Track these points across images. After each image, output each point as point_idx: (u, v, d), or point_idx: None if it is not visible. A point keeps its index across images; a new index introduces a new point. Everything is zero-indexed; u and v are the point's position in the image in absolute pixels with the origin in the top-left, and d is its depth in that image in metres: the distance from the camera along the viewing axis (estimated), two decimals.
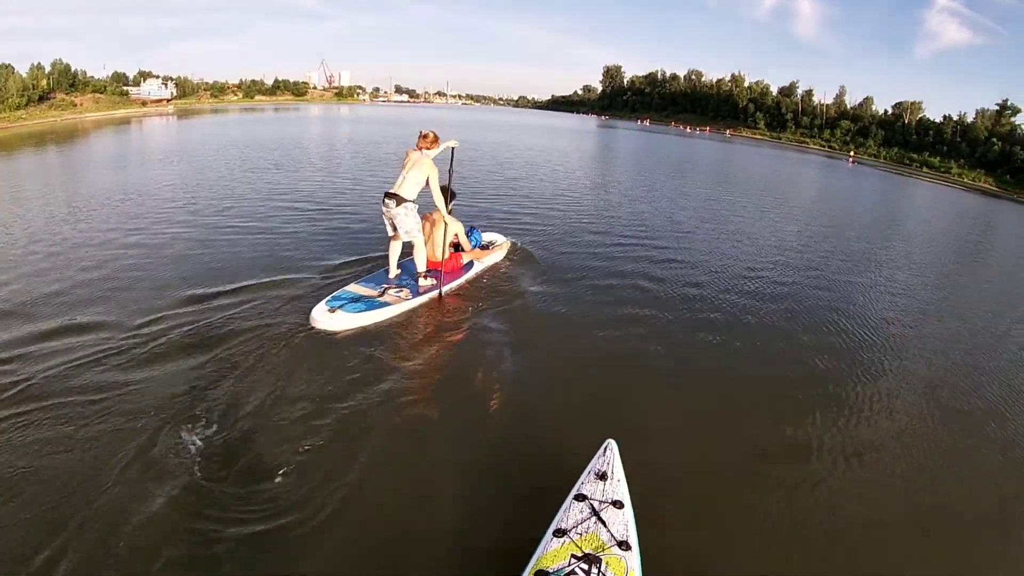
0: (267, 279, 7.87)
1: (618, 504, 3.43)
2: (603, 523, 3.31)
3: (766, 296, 9.34)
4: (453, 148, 7.88)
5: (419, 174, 7.37)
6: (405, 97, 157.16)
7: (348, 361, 5.89)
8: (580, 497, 3.47)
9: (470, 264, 8.62)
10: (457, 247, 8.55)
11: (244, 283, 7.67)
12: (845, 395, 6.30)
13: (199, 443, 4.42)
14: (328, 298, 6.95)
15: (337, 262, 8.86)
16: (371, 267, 8.50)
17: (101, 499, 3.79)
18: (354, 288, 7.36)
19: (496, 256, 9.35)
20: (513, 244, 10.15)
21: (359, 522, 3.87)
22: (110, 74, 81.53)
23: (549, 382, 5.95)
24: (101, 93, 69.39)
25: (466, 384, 5.79)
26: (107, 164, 19.68)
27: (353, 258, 9.10)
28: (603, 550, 3.15)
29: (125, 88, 76.58)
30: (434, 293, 7.75)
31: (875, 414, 5.99)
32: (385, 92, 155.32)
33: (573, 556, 3.09)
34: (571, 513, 3.37)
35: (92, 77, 73.32)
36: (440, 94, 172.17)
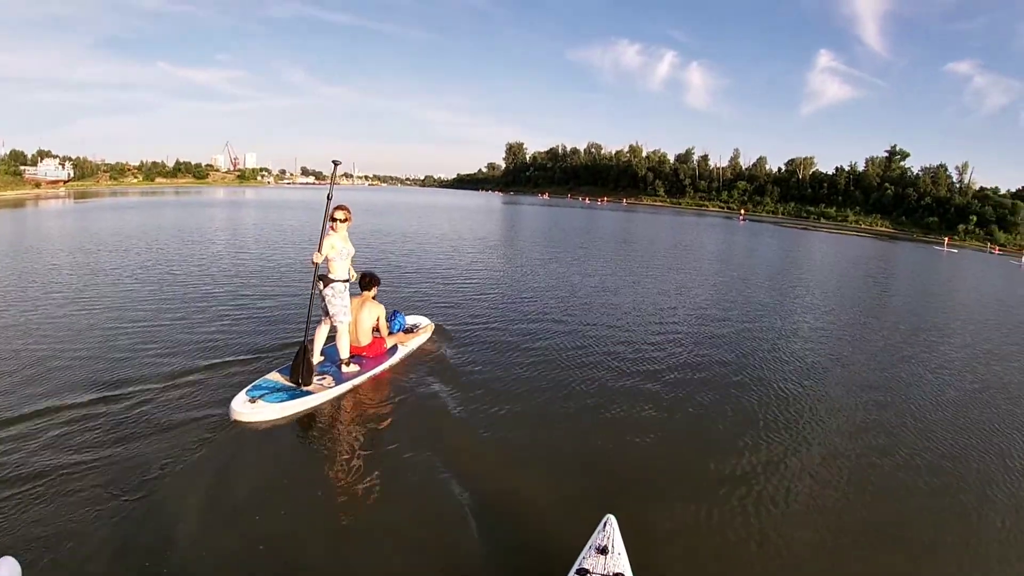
0: (181, 370, 7.49)
1: None
2: None
3: (713, 356, 9.74)
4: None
5: (342, 250, 7.27)
6: (311, 179, 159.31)
7: (275, 455, 5.63)
8: (582, 571, 3.41)
9: (394, 348, 8.46)
10: (378, 331, 8.41)
11: (156, 374, 7.30)
12: (842, 445, 6.61)
13: (113, 559, 4.03)
14: (248, 387, 6.68)
15: (256, 350, 8.51)
16: (292, 353, 7.84)
17: None
18: (275, 377, 7.09)
19: (420, 339, 9.25)
20: (438, 326, 10.06)
21: None
22: (8, 152, 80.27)
23: (496, 462, 5.77)
24: None
25: (412, 469, 5.50)
26: None
27: (273, 345, 8.75)
28: None
29: (21, 168, 74.69)
30: (359, 379, 7.51)
31: (868, 466, 6.29)
32: (291, 174, 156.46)
33: None
34: None
35: None
36: (347, 175, 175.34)
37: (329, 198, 7.17)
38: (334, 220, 7.28)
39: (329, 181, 7.76)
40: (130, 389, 6.78)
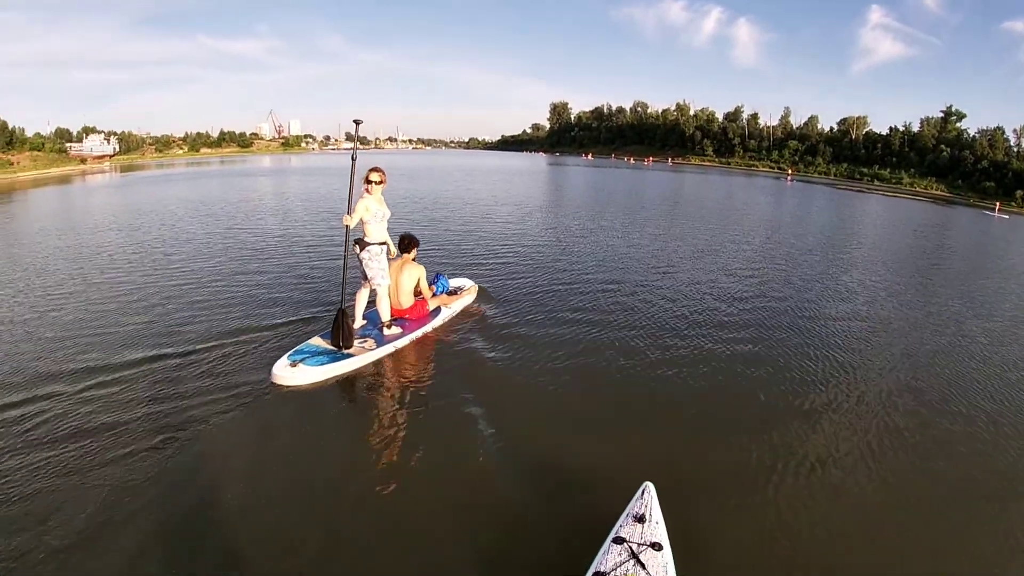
0: (228, 335, 7.73)
1: (657, 546, 3.41)
2: (642, 566, 3.28)
3: (756, 323, 9.55)
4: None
5: (376, 213, 7.30)
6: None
7: (316, 417, 5.80)
8: (619, 540, 3.45)
9: (437, 310, 8.50)
10: (420, 294, 8.43)
11: (204, 340, 7.56)
12: (878, 418, 6.46)
13: (159, 518, 4.23)
14: (290, 352, 6.82)
15: (300, 315, 8.71)
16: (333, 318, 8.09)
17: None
18: (317, 341, 7.21)
19: (464, 301, 9.24)
20: (482, 289, 10.05)
21: None
22: (54, 130, 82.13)
23: (537, 426, 5.84)
24: (39, 151, 69.04)
25: (451, 431, 5.62)
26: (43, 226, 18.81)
27: (316, 310, 8.92)
28: None
29: (67, 144, 76.41)
30: (401, 342, 7.58)
31: (907, 442, 6.07)
32: (335, 140, 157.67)
33: None
34: (610, 556, 3.36)
35: (38, 134, 73.90)
36: (391, 139, 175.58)
37: (353, 159, 7.22)
38: (369, 183, 7.30)
39: (353, 141, 7.81)
40: (174, 351, 7.10)
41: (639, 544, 3.41)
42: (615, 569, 3.26)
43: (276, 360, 6.60)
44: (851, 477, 5.23)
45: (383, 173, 7.39)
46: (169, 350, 7.15)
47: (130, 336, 7.73)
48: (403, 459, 5.16)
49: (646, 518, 3.61)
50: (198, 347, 7.26)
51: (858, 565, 4.16)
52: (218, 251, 13.61)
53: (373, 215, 7.24)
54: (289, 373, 6.38)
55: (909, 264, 17.68)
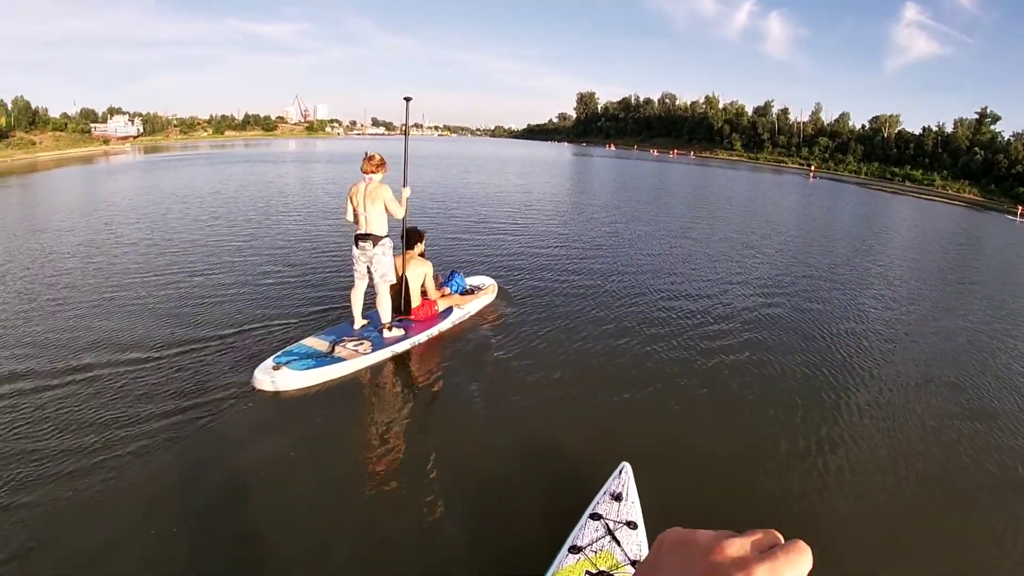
0: (217, 333, 7.46)
1: (632, 525, 3.72)
2: (617, 542, 3.59)
3: (759, 318, 9.75)
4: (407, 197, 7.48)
5: (379, 203, 6.92)
6: (382, 130, 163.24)
7: (295, 427, 5.55)
8: (595, 516, 3.78)
9: (449, 311, 8.10)
10: (426, 294, 8.04)
11: (189, 339, 7.29)
12: (847, 407, 6.75)
13: (121, 537, 4.04)
14: (278, 354, 6.50)
15: (301, 313, 8.40)
16: (336, 318, 8.01)
17: None
18: (310, 342, 6.86)
19: (481, 301, 8.84)
20: (501, 288, 9.70)
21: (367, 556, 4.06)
22: (79, 110, 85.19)
23: (544, 416, 6.05)
24: (61, 131, 70.75)
25: (452, 432, 5.70)
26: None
27: (319, 308, 8.63)
28: (617, 568, 3.40)
29: (90, 125, 78.63)
30: (402, 346, 7.18)
31: (874, 429, 6.38)
32: (361, 125, 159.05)
33: (588, 572, 3.35)
34: (586, 531, 3.67)
35: (64, 114, 76.89)
36: (417, 125, 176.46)
37: (406, 134, 7.71)
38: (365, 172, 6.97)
39: (403, 123, 7.90)
40: (156, 356, 6.81)
41: (615, 521, 3.70)
42: (591, 544, 3.53)
43: (262, 362, 6.36)
44: (834, 469, 5.44)
45: (376, 161, 7.07)
46: (153, 349, 6.94)
47: (111, 332, 7.47)
48: (389, 462, 5.18)
49: (623, 497, 3.91)
50: (183, 347, 7.03)
51: (830, 554, 4.33)
52: (226, 243, 13.25)
53: (376, 204, 6.96)
54: (270, 377, 6.03)
55: (925, 263, 17.68)
